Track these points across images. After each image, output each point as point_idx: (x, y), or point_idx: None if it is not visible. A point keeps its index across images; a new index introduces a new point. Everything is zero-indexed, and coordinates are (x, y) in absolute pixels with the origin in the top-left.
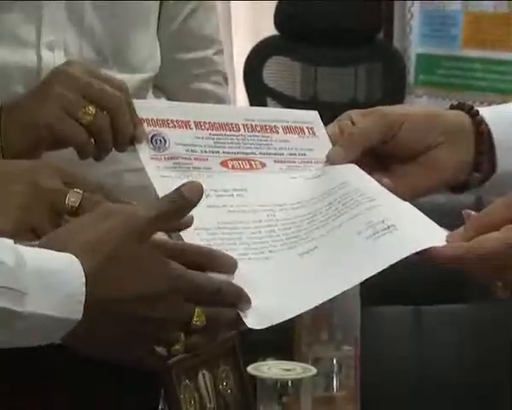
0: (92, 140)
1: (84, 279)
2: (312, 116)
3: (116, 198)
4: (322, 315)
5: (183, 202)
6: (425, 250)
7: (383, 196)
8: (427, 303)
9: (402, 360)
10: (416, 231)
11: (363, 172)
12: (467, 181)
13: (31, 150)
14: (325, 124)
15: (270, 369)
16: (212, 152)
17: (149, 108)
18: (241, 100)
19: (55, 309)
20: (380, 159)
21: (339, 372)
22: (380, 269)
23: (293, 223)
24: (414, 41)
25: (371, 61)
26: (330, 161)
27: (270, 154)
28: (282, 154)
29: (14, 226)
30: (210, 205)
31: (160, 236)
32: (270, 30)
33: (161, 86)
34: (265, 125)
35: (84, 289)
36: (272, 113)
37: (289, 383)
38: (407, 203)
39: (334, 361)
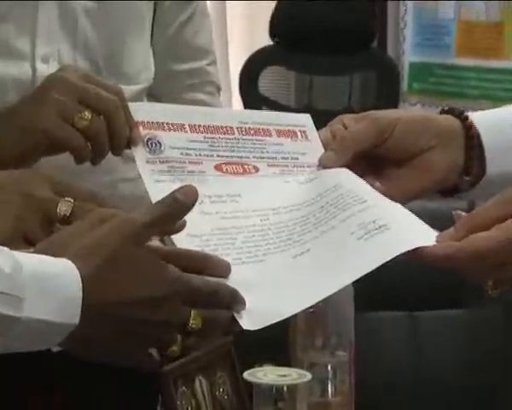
0: (89, 144)
1: (80, 284)
2: (305, 119)
3: (109, 206)
4: (317, 321)
5: (178, 207)
6: (416, 250)
7: (375, 198)
8: (421, 309)
9: (396, 364)
10: (407, 231)
11: (354, 176)
12: (457, 185)
13: (27, 155)
14: None
15: (265, 375)
16: (207, 156)
17: (144, 110)
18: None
19: (53, 314)
20: (372, 162)
21: (334, 378)
22: (371, 268)
23: (286, 226)
24: (407, 49)
25: (365, 70)
26: (323, 164)
27: (263, 158)
28: (276, 158)
29: (7, 235)
30: (204, 212)
31: (155, 242)
32: (265, 40)
33: (155, 95)
34: (259, 128)
35: (80, 293)
36: (266, 116)
37: (285, 389)
38: (398, 204)
39: (329, 367)
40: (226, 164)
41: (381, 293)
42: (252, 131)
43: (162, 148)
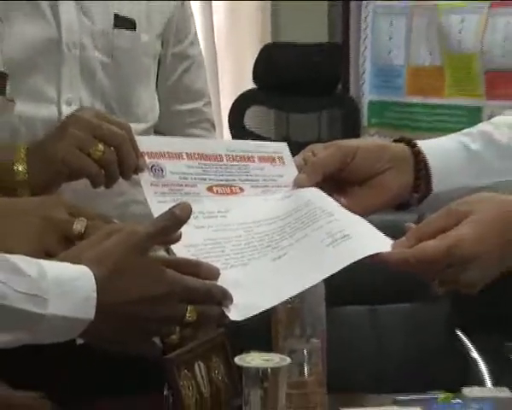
0: (102, 171)
1: (95, 286)
2: (282, 147)
3: (115, 224)
4: (295, 315)
5: (175, 220)
6: (375, 255)
7: (340, 212)
8: (380, 303)
9: (359, 349)
10: (367, 240)
11: (323, 194)
12: (408, 200)
13: (51, 182)
14: None
15: (253, 360)
16: (201, 179)
17: (149, 142)
18: None
19: (72, 311)
20: (338, 182)
21: (309, 361)
22: (337, 269)
23: (267, 235)
24: (366, 90)
25: (332, 108)
26: (297, 185)
27: (248, 180)
28: (258, 180)
29: (31, 251)
30: (198, 226)
31: (160, 252)
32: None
33: (161, 131)
34: (244, 156)
35: (95, 294)
36: (249, 145)
37: (269, 371)
38: (360, 217)
39: (305, 352)
40: (217, 186)
41: (346, 291)
42: (238, 158)
43: (164, 173)
